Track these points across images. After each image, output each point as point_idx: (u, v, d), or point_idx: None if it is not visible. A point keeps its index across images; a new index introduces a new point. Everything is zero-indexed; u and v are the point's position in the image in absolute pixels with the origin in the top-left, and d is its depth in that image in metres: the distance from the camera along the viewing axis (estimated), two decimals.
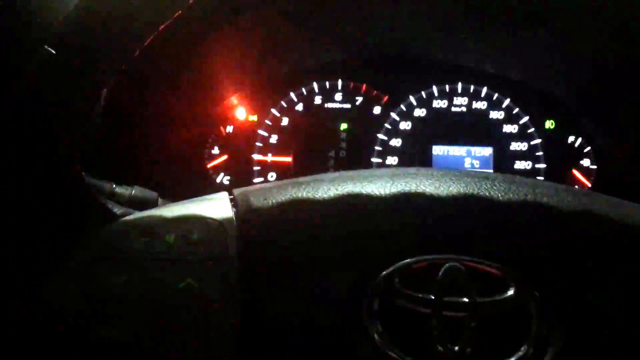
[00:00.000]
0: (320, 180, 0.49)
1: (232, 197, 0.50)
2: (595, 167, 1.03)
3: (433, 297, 0.45)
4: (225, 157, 1.07)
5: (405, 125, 1.06)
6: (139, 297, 0.46)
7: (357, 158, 1.06)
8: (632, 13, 0.70)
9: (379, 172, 0.50)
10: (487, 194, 0.46)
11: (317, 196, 0.47)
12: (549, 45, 0.89)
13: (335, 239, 0.46)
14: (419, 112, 1.06)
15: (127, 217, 0.51)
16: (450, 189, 0.47)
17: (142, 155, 0.88)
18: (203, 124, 1.05)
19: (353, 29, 0.95)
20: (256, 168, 1.07)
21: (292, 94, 1.06)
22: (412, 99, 1.06)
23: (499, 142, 1.04)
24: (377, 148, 1.06)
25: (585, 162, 1.04)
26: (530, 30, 0.86)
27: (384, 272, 0.45)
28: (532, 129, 1.04)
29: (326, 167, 1.06)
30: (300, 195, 0.47)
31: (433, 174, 0.49)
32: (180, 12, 0.45)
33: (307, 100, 1.07)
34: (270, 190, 0.49)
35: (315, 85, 1.07)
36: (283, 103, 1.07)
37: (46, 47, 0.43)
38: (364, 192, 0.47)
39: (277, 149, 1.07)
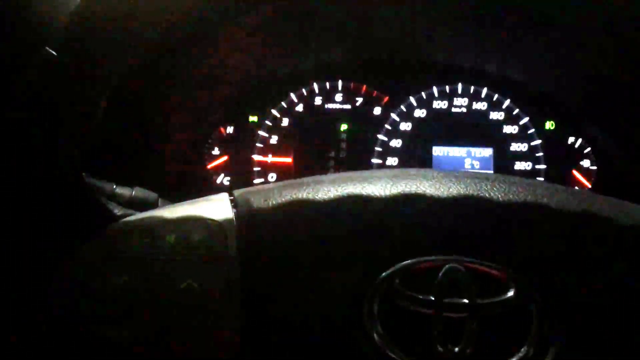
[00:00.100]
0: (320, 181, 0.49)
1: (232, 198, 0.50)
2: (595, 168, 1.03)
3: (433, 298, 0.45)
4: (225, 157, 1.07)
5: (405, 126, 1.06)
6: (139, 298, 0.46)
7: (357, 159, 1.06)
8: (634, 14, 0.70)
9: (379, 173, 0.50)
10: (487, 195, 0.46)
11: (317, 197, 0.47)
12: (550, 46, 0.89)
13: (336, 240, 0.46)
14: (419, 113, 1.06)
15: (128, 218, 0.51)
16: (451, 190, 0.47)
17: (143, 156, 0.88)
18: (203, 125, 1.05)
19: (353, 30, 0.95)
20: (256, 169, 1.07)
21: (292, 95, 1.06)
22: (412, 99, 1.06)
23: (499, 142, 1.04)
24: (378, 149, 1.06)
25: (586, 163, 1.04)
26: (531, 32, 0.86)
27: (385, 273, 0.45)
28: (533, 130, 1.04)
29: (326, 168, 1.06)
30: (300, 196, 0.47)
31: (433, 175, 0.49)
32: (180, 13, 0.45)
33: (308, 100, 1.07)
34: (270, 191, 0.49)
35: (315, 86, 1.07)
36: (283, 104, 1.07)
37: (47, 48, 0.43)
38: (364, 193, 0.47)
39: (277, 150, 1.07)
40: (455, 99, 1.06)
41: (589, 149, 1.03)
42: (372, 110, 1.07)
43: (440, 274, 0.45)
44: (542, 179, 1.03)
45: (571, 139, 1.04)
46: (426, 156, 1.05)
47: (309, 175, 0.52)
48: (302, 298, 0.46)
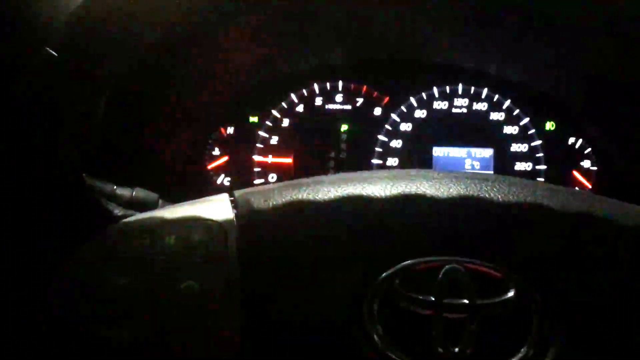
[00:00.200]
0: (320, 181, 0.49)
1: (232, 198, 0.50)
2: (595, 168, 1.03)
3: (433, 299, 0.45)
4: (225, 158, 1.07)
5: (405, 127, 1.06)
6: (139, 298, 0.46)
7: (357, 159, 1.06)
8: (634, 14, 0.70)
9: (380, 174, 0.50)
10: (487, 195, 0.46)
11: (317, 198, 0.47)
12: (550, 47, 0.89)
13: (336, 240, 0.46)
14: (420, 114, 1.06)
15: (128, 219, 0.51)
16: (451, 190, 0.47)
17: (143, 157, 0.88)
18: (203, 125, 1.05)
19: (354, 30, 0.95)
20: (257, 169, 1.07)
21: (292, 95, 1.06)
22: (412, 100, 1.06)
23: (500, 143, 1.04)
24: (378, 149, 1.06)
25: (586, 164, 1.03)
26: (531, 32, 0.86)
27: (385, 274, 0.45)
28: (533, 131, 1.04)
29: (327, 168, 1.06)
30: (300, 196, 0.47)
31: (434, 176, 0.49)
32: (180, 13, 0.45)
33: (308, 101, 1.07)
34: (270, 192, 0.49)
35: (315, 86, 1.07)
36: (284, 104, 1.06)
37: (47, 48, 0.43)
38: (364, 193, 0.47)
39: (277, 150, 1.07)
40: (455, 99, 1.06)
41: (589, 149, 1.03)
42: (373, 110, 1.07)
43: (440, 275, 0.45)
44: (542, 179, 1.03)
45: (571, 140, 1.04)
46: (426, 157, 1.05)
47: (309, 176, 0.52)
48: (302, 298, 0.46)
